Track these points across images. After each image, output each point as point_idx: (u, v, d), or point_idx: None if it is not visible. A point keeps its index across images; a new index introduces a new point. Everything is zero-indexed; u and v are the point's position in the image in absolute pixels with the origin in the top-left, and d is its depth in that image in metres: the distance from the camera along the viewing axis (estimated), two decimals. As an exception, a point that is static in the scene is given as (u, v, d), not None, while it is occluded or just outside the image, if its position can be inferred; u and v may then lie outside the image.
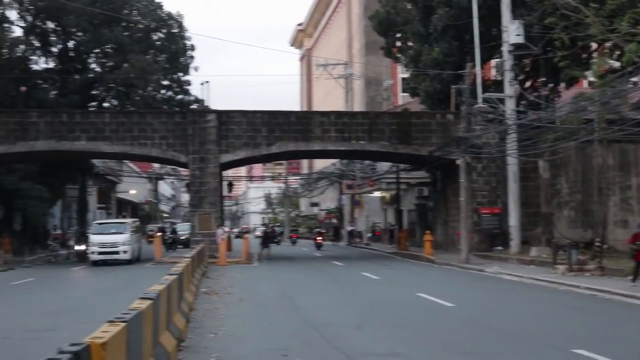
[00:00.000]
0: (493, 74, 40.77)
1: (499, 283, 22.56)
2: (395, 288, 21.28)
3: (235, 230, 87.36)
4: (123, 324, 6.49)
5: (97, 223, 38.11)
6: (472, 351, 10.82)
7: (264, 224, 79.62)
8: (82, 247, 36.99)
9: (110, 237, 34.16)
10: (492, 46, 35.60)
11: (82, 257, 36.42)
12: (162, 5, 50.42)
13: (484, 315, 14.85)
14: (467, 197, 31.15)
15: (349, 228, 59.13)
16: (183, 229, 56.52)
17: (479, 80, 34.06)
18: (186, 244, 51.80)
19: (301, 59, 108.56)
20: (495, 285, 21.80)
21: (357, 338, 12.10)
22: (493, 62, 40.21)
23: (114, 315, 6.82)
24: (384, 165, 50.31)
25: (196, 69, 50.91)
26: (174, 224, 71.87)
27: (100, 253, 33.76)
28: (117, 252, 33.80)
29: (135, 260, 35.03)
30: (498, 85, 35.69)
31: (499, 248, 33.34)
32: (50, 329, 13.60)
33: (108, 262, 33.43)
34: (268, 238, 39.17)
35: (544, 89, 37.26)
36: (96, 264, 33.49)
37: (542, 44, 31.39)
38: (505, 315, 14.84)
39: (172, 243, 46.94)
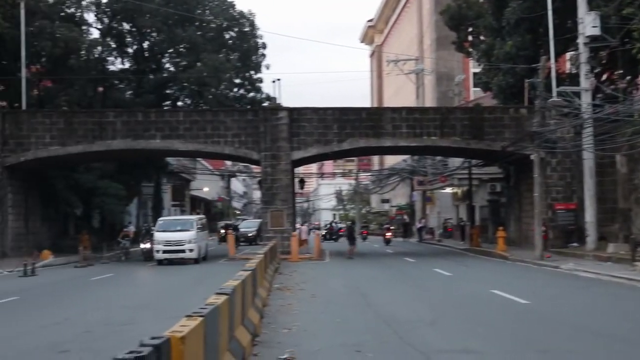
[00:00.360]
0: (568, 67, 39.94)
1: (574, 280, 22.12)
2: (468, 284, 21.09)
3: (322, 228, 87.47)
4: (200, 318, 6.63)
5: (162, 220, 35.79)
6: (548, 348, 10.66)
7: (332, 222, 79.94)
8: (147, 245, 35.29)
9: (176, 234, 32.44)
10: (567, 39, 34.84)
11: (147, 256, 34.85)
12: (234, 4, 51.09)
13: (560, 313, 14.59)
14: (541, 192, 30.62)
15: (419, 225, 58.75)
16: (247, 226, 56.69)
17: (553, 74, 33.41)
18: (251, 240, 51.64)
19: (371, 55, 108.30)
20: (571, 282, 21.39)
21: (430, 334, 12.05)
22: (568, 54, 39.38)
23: (190, 310, 6.97)
24: (455, 161, 49.81)
25: (267, 67, 51.44)
26: (242, 220, 72.23)
27: (165, 252, 32.10)
28: (182, 251, 32.08)
29: (202, 259, 33.46)
30: (573, 79, 34.93)
31: (575, 244, 32.67)
32: (129, 323, 13.95)
33: (174, 262, 31.73)
34: (352, 234, 38.57)
35: (622, 82, 36.26)
36: (161, 263, 32.06)
37: (620, 36, 30.56)
38: (583, 313, 14.56)
39: (235, 241, 44.55)
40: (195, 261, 32.20)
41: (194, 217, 38.59)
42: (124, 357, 4.58)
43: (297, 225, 70.33)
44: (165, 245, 32.13)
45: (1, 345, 11.92)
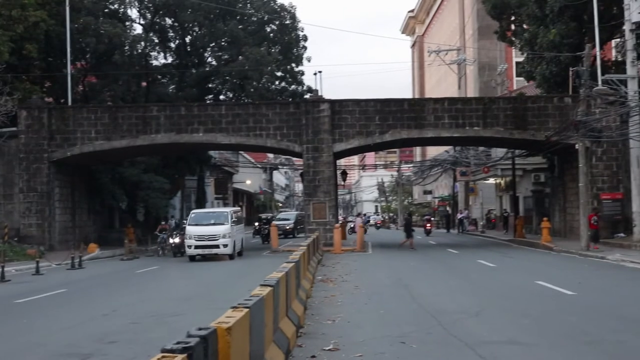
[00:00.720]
0: (614, 54, 39.27)
1: (621, 271, 21.81)
2: (513, 276, 20.93)
3: (372, 220, 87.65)
4: (246, 310, 6.70)
5: (194, 213, 33.03)
6: (596, 340, 10.55)
7: (360, 213, 79.99)
8: (177, 240, 33.63)
9: (209, 228, 30.12)
10: (612, 25, 34.27)
11: (177, 251, 33.35)
12: (275, -2, 51.19)
13: (608, 304, 14.42)
14: (587, 182, 30.22)
15: (459, 216, 58.26)
16: (283, 219, 54.35)
17: (598, 62, 32.90)
18: (287, 233, 50.12)
19: (413, 46, 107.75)
20: (618, 273, 21.10)
21: (475, 326, 12.00)
22: (614, 42, 38.73)
23: (235, 302, 7.04)
24: (498, 152, 49.38)
25: (309, 59, 51.44)
26: (281, 212, 72.22)
27: (197, 247, 30.00)
28: (216, 246, 29.91)
29: (237, 254, 31.56)
30: (619, 66, 34.37)
31: (621, 235, 32.20)
32: (175, 314, 14.13)
33: (207, 257, 30.32)
34: (410, 226, 38.06)
35: (669, 69, 35.59)
36: (193, 259, 30.23)
37: (667, 21, 29.96)
38: (630, 304, 14.36)
39: (268, 234, 41.12)
40: (230, 257, 30.43)
41: (229, 209, 36.00)
42: (171, 348, 4.66)
43: (351, 218, 70.13)
44: (197, 240, 30.01)
45: (51, 336, 12.17)
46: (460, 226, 56.51)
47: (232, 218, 31.27)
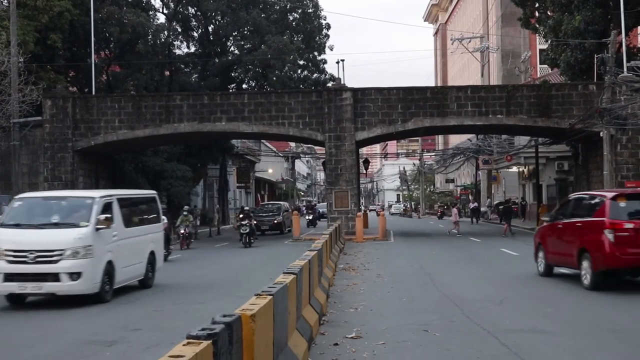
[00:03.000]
0: (639, 41, 38.81)
1: (647, 260, 21.61)
2: (536, 264, 20.80)
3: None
4: (270, 297, 6.74)
5: (20, 199, 16.18)
6: (620, 328, 10.50)
7: (398, 202, 79.96)
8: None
9: (40, 234, 14.69)
10: (638, 12, 33.86)
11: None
12: (297, -14, 51.12)
13: (631, 292, 14.32)
14: (611, 170, 29.97)
15: (472, 205, 57.32)
16: (269, 210, 45.30)
17: (624, 48, 32.54)
18: (274, 229, 41.77)
19: (435, 34, 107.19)
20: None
21: (498, 314, 11.98)
22: (639, 28, 38.27)
23: (257, 290, 7.09)
24: (521, 140, 49.06)
25: (331, 48, 51.49)
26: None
27: (9, 277, 14.26)
28: (50, 276, 14.18)
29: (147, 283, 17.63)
30: (645, 53, 33.97)
31: (647, 223, 31.87)
32: (199, 302, 14.23)
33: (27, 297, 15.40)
34: (510, 213, 37.93)
35: (696, 56, 35.16)
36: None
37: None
38: (655, 293, 14.25)
39: (250, 235, 32.52)
40: (91, 296, 14.80)
41: (97, 193, 16.29)
42: (196, 334, 4.70)
43: (373, 207, 69.99)
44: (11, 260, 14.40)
45: (74, 324, 12.32)
46: (473, 216, 55.31)
47: (101, 211, 14.96)
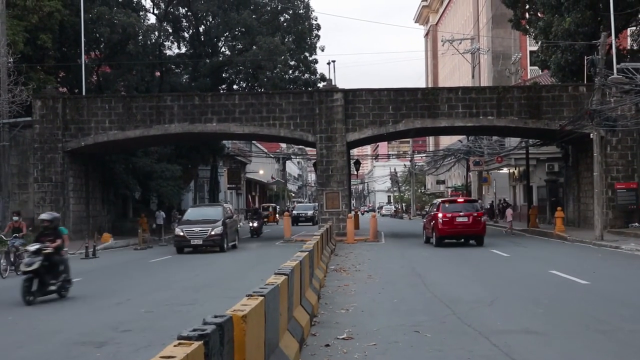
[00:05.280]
0: (629, 43, 38.99)
1: (636, 260, 21.71)
2: (527, 265, 20.87)
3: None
4: (261, 298, 6.72)
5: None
6: (611, 329, 10.51)
7: (388, 203, 79.96)
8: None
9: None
10: (628, 14, 34.03)
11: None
12: (288, -14, 51.13)
13: (622, 293, 14.36)
14: (601, 172, 30.07)
15: None
16: (197, 216, 31.58)
17: (614, 50, 32.67)
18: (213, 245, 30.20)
19: (426, 35, 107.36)
20: (632, 263, 21.01)
21: (489, 315, 11.98)
22: (629, 30, 38.45)
23: (248, 291, 7.05)
24: (512, 141, 49.19)
25: (322, 48, 51.58)
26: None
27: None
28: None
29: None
30: (634, 55, 34.15)
31: (636, 225, 32.02)
32: (190, 303, 14.18)
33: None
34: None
35: (685, 58, 35.33)
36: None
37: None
38: (645, 294, 14.29)
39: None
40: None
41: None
42: (188, 335, 4.67)
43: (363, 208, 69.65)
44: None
45: (65, 325, 12.26)
46: None
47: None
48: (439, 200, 34.03)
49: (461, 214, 28.97)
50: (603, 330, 10.47)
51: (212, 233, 29.01)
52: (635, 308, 12.41)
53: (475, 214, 29.31)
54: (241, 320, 5.73)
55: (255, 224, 42.33)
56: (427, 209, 39.37)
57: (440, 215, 28.86)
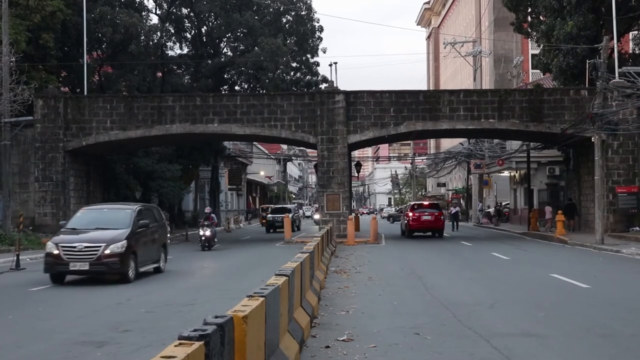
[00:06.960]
0: (631, 47, 38.99)
1: (636, 264, 21.71)
2: (527, 268, 20.86)
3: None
4: (262, 299, 6.71)
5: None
6: (612, 333, 10.50)
7: (389, 205, 80.00)
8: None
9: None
10: (630, 18, 34.04)
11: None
12: (291, -12, 51.18)
13: (623, 297, 14.35)
14: (602, 175, 30.08)
15: (453, 210, 56.08)
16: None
17: (616, 54, 32.67)
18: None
19: (428, 38, 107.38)
20: (633, 267, 21.00)
21: (490, 318, 11.97)
22: (631, 34, 38.45)
23: (248, 292, 7.05)
24: (513, 144, 49.19)
25: (324, 50, 51.52)
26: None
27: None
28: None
29: None
30: (637, 59, 34.15)
31: (636, 228, 32.01)
32: (190, 303, 14.17)
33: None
34: (574, 211, 37.87)
35: (687, 62, 35.32)
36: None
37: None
38: (646, 298, 14.27)
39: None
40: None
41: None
42: (188, 335, 4.67)
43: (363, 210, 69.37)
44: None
45: (66, 324, 12.25)
46: (454, 222, 50.50)
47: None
48: (411, 203, 45.07)
49: (426, 213, 38.68)
50: (604, 334, 10.45)
51: (107, 252, 17.71)
52: (636, 312, 12.40)
53: (437, 214, 38.72)
54: (242, 321, 5.73)
55: (208, 233, 30.94)
56: (402, 210, 50.42)
57: (410, 214, 38.80)
